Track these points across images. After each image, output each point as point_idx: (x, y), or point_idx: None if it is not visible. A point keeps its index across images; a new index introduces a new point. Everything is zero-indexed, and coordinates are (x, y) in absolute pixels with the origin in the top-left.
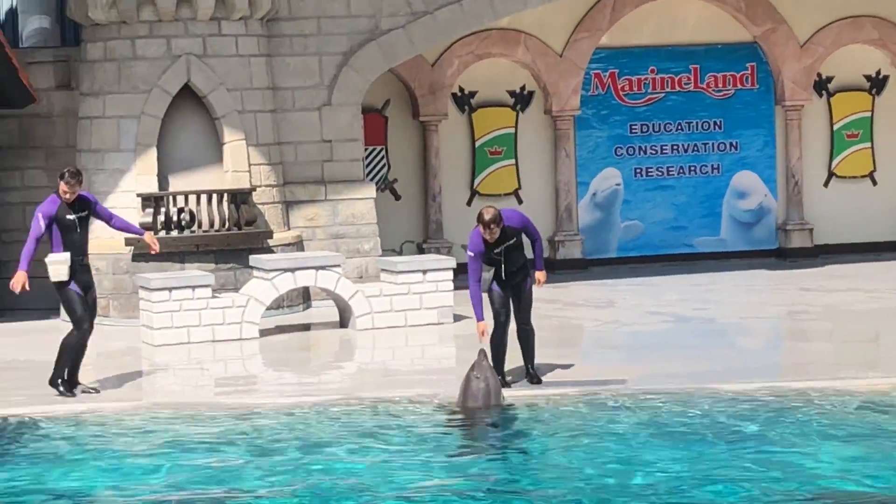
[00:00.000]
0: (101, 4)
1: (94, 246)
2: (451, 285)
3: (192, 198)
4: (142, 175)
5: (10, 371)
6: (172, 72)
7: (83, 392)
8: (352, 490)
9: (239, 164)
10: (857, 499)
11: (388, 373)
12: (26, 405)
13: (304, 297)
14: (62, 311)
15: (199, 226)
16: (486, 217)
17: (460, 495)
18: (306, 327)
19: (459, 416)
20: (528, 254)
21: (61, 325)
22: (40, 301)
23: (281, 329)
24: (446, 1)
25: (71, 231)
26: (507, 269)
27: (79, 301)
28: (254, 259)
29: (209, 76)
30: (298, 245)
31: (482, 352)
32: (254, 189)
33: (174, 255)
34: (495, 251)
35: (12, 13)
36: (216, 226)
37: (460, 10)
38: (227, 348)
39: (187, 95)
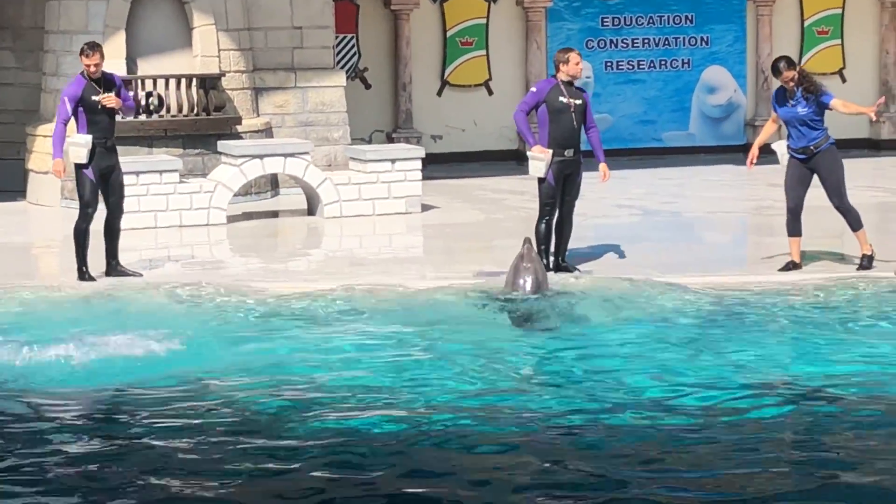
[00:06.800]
0: None
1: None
2: (419, 175)
3: (161, 82)
4: (110, 58)
5: None
6: None
7: (124, 275)
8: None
9: (208, 48)
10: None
11: (356, 261)
12: None
13: (273, 184)
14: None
15: (168, 110)
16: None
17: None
18: (274, 214)
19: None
20: None
21: (29, 208)
22: (7, 183)
23: (248, 216)
24: None
25: (95, 112)
26: (572, 135)
27: (89, 186)
28: (222, 145)
29: None
30: (267, 132)
31: (528, 240)
32: (223, 74)
33: (142, 139)
34: (564, 100)
35: None
36: (184, 111)
37: None
38: (193, 233)
39: None
